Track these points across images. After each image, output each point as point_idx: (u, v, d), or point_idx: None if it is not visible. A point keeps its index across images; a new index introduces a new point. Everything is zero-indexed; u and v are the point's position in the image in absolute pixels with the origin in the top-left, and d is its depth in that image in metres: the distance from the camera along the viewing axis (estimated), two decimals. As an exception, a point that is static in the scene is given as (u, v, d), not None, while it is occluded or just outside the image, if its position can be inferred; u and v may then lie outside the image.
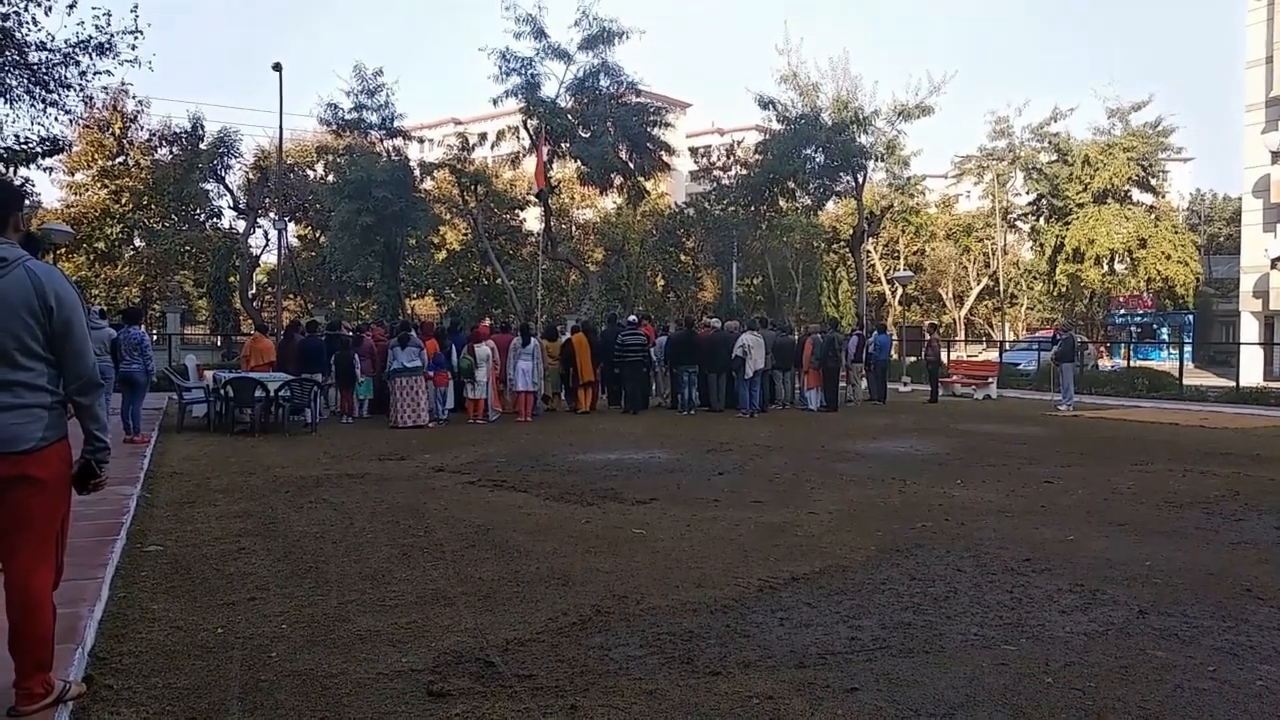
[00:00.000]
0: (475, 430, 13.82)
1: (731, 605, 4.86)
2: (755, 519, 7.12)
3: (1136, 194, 37.76)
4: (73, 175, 33.27)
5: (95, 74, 16.20)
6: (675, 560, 5.82)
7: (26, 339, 3.19)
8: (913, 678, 3.86)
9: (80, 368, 3.32)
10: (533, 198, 31.60)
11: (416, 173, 29.55)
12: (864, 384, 20.05)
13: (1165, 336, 41.17)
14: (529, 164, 30.13)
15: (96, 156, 32.36)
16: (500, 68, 25.97)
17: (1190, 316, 41.00)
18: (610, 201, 37.30)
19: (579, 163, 27.87)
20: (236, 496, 8.06)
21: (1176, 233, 37.11)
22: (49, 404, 3.29)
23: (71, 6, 15.42)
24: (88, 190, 33.38)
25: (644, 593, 5.07)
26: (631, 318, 19.48)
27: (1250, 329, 29.74)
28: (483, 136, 30.99)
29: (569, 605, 4.83)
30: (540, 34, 25.76)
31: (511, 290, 32.32)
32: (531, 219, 38.41)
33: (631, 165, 28.21)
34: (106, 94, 25.09)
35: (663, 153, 29.04)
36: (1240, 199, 32.96)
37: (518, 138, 29.86)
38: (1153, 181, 37.61)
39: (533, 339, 15.65)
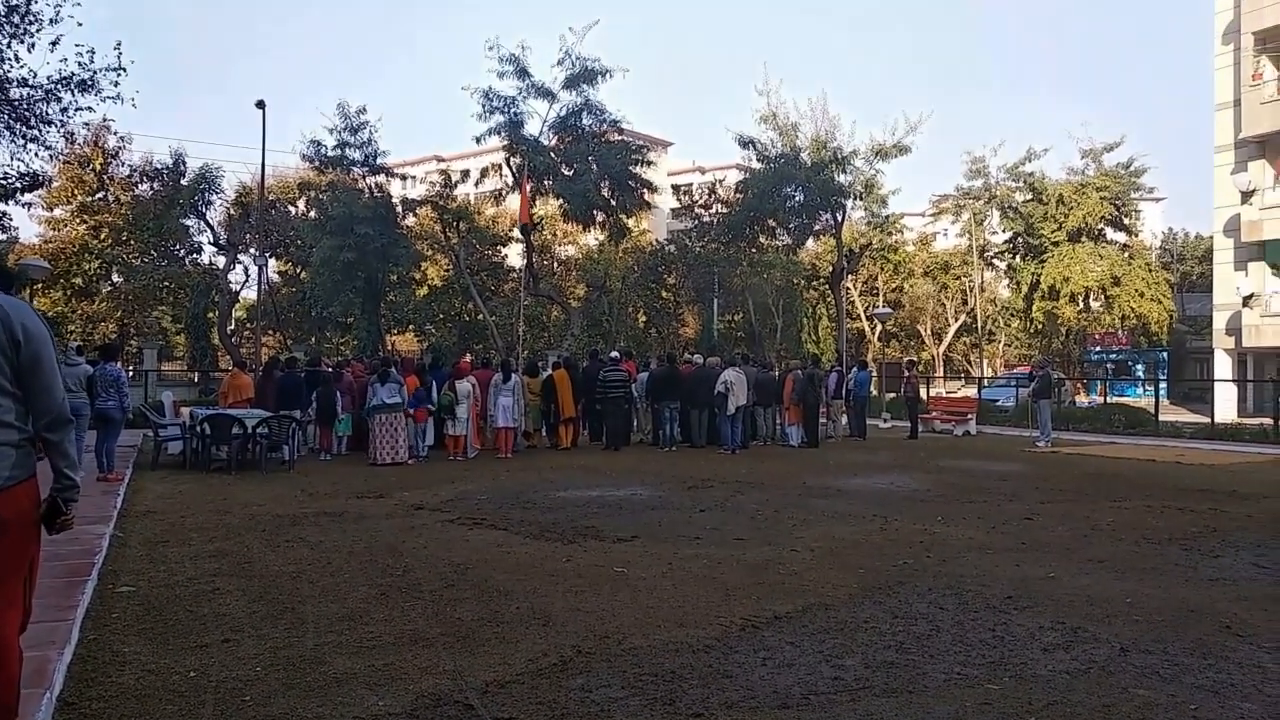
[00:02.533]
0: (455, 467, 13.73)
1: (714, 645, 4.82)
2: (737, 557, 7.09)
3: (1110, 233, 38.37)
4: (51, 211, 33.08)
5: (77, 110, 16.22)
6: (657, 599, 5.78)
7: None
8: (896, 717, 3.83)
9: (49, 403, 3.24)
10: (516, 234, 31.71)
11: (399, 209, 29.60)
12: (844, 420, 20.13)
13: (1140, 373, 41.65)
14: (512, 201, 30.24)
15: (76, 192, 32.22)
16: (483, 106, 26.16)
17: (1164, 353, 41.52)
18: (592, 238, 37.45)
19: (561, 200, 28.02)
20: (211, 535, 7.94)
21: (1150, 271, 37.68)
22: (16, 441, 3.19)
23: (54, 44, 15.45)
24: (66, 226, 33.17)
25: (625, 633, 5.02)
26: (613, 354, 19.47)
27: (1224, 366, 30.10)
28: (465, 173, 31.13)
29: (549, 646, 4.77)
30: (523, 74, 25.99)
31: (493, 326, 32.27)
32: (514, 255, 38.47)
33: (613, 202, 28.36)
34: (88, 130, 25.10)
35: (644, 190, 29.24)
36: (1212, 238, 33.53)
37: (500, 175, 29.99)
38: (1126, 220, 38.25)
39: (514, 375, 15.61)
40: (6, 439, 3.17)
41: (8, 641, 3.20)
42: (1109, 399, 30.29)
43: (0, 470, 3.13)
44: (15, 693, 3.27)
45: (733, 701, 4.01)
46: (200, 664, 4.44)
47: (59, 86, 15.74)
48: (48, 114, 15.91)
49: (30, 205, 28.09)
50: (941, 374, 44.14)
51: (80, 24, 16.46)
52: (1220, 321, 30.14)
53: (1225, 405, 26.39)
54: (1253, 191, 28.41)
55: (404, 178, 31.91)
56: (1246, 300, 28.46)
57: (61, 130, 16.66)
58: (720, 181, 39.63)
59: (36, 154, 16.74)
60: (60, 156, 21.34)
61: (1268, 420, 21.12)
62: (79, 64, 15.85)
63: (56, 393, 3.26)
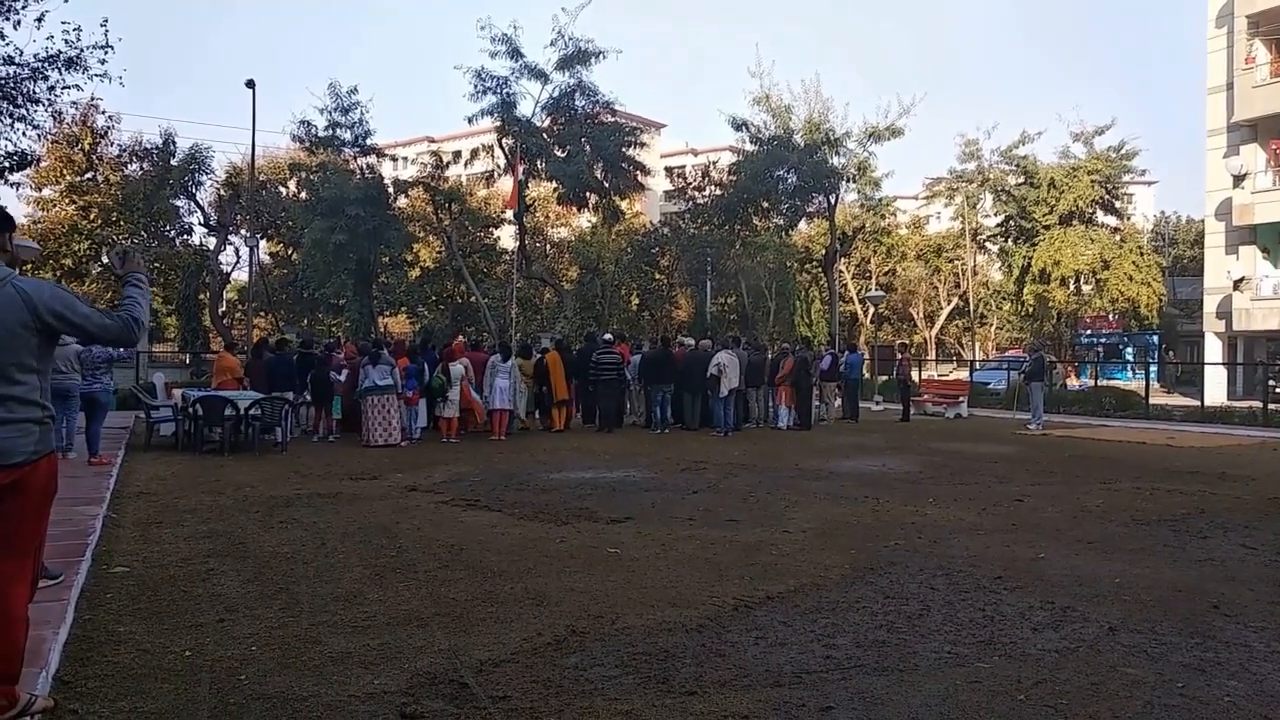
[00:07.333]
0: (448, 449, 13.74)
1: (707, 624, 4.85)
2: (730, 537, 7.13)
3: (1101, 216, 38.39)
4: (40, 191, 32.78)
5: (65, 88, 16.05)
6: (650, 579, 5.81)
7: (23, 355, 3.31)
8: (887, 696, 3.87)
9: (117, 337, 3.47)
10: (509, 216, 31.60)
11: (390, 190, 29.47)
12: (837, 403, 20.18)
13: (1131, 356, 41.81)
14: (504, 183, 30.14)
15: (65, 172, 31.94)
16: (475, 86, 26.02)
17: (1155, 337, 41.69)
18: (585, 220, 37.37)
19: (554, 181, 27.91)
20: (205, 516, 7.94)
21: (1140, 254, 37.76)
22: (39, 418, 3.38)
23: (40, 21, 15.27)
24: (55, 206, 32.91)
25: (619, 612, 5.05)
26: (606, 336, 19.47)
27: (1214, 349, 30.26)
28: (457, 154, 30.89)
29: (544, 625, 4.80)
30: (516, 54, 25.84)
31: (485, 308, 32.24)
32: (506, 237, 38.38)
33: (607, 184, 28.28)
34: (76, 109, 24.82)
35: (638, 172, 29.16)
36: (1203, 221, 33.61)
37: (492, 156, 29.87)
38: (1116, 204, 38.29)
39: (511, 357, 15.63)
40: (30, 416, 3.36)
41: (16, 610, 3.33)
42: (1100, 382, 30.42)
43: (26, 445, 3.33)
44: (19, 660, 3.39)
45: (726, 680, 4.04)
46: (195, 643, 4.46)
47: (46, 64, 15.57)
48: (35, 92, 15.75)
49: (18, 185, 27.96)
50: (933, 357, 44.27)
51: (66, 0, 16.28)
52: (1211, 305, 30.26)
53: (1215, 388, 26.55)
54: (1244, 175, 28.47)
55: (395, 159, 31.79)
56: (1237, 284, 28.57)
57: (49, 109, 16.51)
58: (713, 163, 39.44)
59: (24, 133, 16.60)
60: (48, 136, 21.18)
61: (1257, 403, 21.25)
62: (66, 41, 15.68)
63: (107, 330, 3.43)
